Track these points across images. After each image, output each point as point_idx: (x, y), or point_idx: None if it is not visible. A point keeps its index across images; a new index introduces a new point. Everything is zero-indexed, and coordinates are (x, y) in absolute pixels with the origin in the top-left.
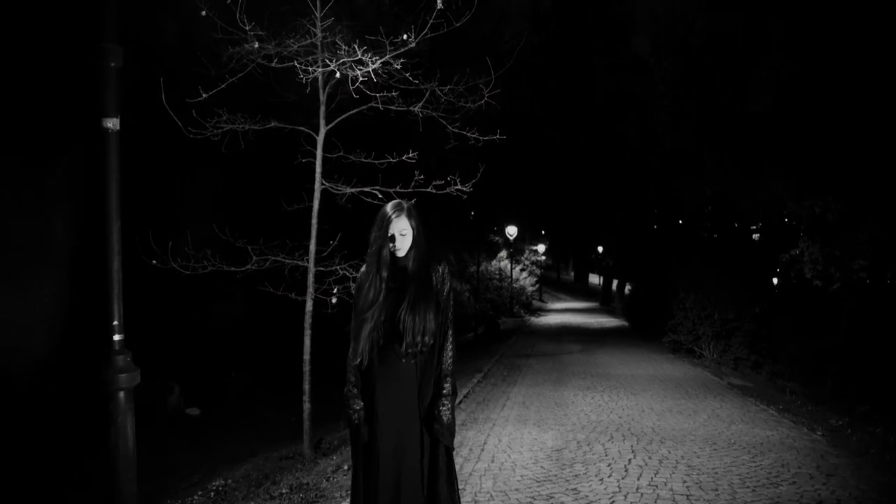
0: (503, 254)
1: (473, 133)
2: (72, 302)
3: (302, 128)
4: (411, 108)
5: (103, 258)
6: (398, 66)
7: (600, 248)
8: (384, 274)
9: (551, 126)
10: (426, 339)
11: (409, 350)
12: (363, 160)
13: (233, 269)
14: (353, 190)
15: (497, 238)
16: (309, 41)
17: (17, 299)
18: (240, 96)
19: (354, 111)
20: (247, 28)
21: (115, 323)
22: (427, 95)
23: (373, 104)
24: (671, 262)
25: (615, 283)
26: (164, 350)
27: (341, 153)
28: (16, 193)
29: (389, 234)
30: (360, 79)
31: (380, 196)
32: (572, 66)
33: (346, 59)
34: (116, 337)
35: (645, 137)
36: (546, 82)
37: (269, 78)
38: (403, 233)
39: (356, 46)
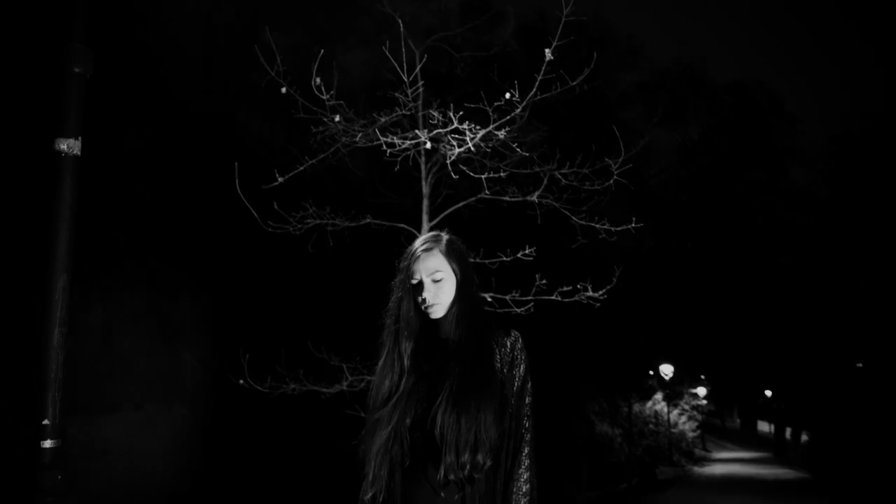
0: (658, 396)
1: (604, 224)
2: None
3: (403, 225)
4: (527, 198)
5: (42, 332)
6: (502, 136)
7: (769, 393)
8: (407, 347)
9: (705, 262)
10: (479, 457)
11: (451, 476)
12: (472, 260)
13: (324, 389)
14: None
15: (651, 378)
16: (399, 113)
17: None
18: (327, 189)
19: (462, 204)
20: (324, 97)
21: (46, 422)
22: (545, 181)
23: (483, 195)
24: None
25: (789, 430)
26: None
27: None
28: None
29: (415, 282)
30: (460, 154)
31: (490, 300)
32: (725, 199)
33: (440, 131)
34: (48, 443)
35: (815, 271)
36: (696, 217)
37: (360, 168)
38: (438, 277)
39: (452, 114)
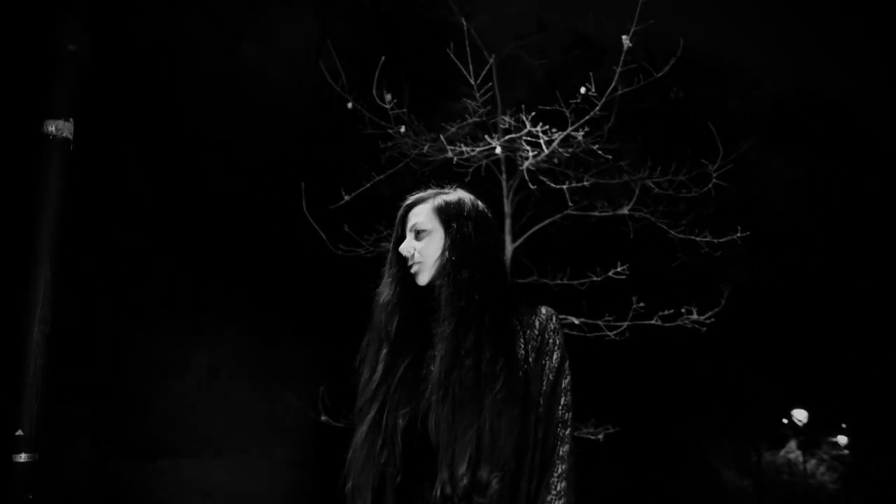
0: (792, 444)
1: (705, 237)
2: None
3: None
4: (618, 212)
5: (20, 331)
6: (580, 137)
7: None
8: (391, 321)
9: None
10: (482, 474)
11: (450, 495)
12: (560, 282)
13: None
14: None
15: (784, 423)
16: (469, 121)
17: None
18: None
19: (547, 221)
20: (387, 105)
21: (20, 433)
22: (637, 191)
23: (569, 211)
24: None
25: None
26: None
27: (535, 277)
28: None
29: (398, 238)
30: (538, 163)
31: (577, 324)
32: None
33: (513, 136)
34: (22, 458)
35: None
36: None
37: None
38: (420, 228)
39: (524, 117)
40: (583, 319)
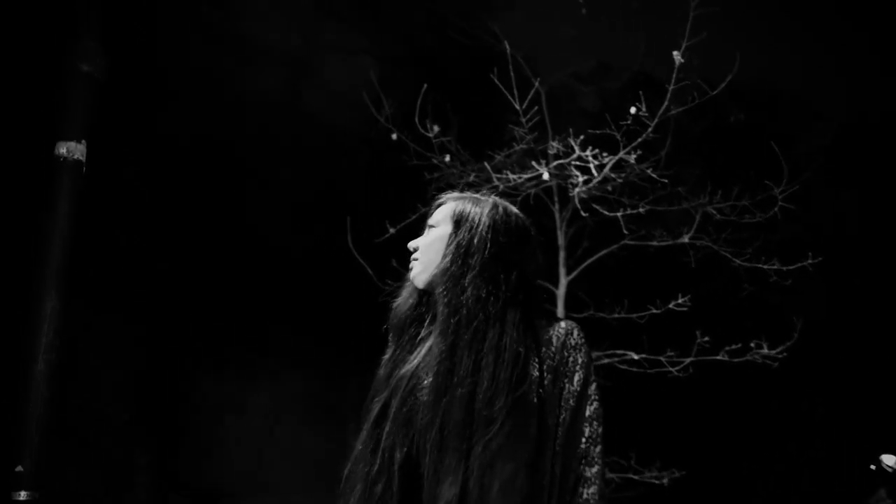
0: (882, 492)
1: (773, 264)
2: None
3: (548, 306)
4: (677, 241)
5: (24, 361)
6: (633, 160)
7: None
8: (395, 329)
9: None
10: None
11: None
12: (618, 315)
13: None
14: (601, 354)
15: (872, 469)
16: (516, 148)
17: None
18: None
19: (603, 252)
20: (430, 133)
21: (20, 469)
22: (697, 218)
23: (625, 241)
24: None
25: None
26: None
27: (591, 311)
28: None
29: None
30: (590, 190)
31: (637, 360)
32: None
33: (562, 161)
34: (22, 496)
35: None
36: None
37: None
38: (432, 228)
39: (573, 141)
40: (643, 355)
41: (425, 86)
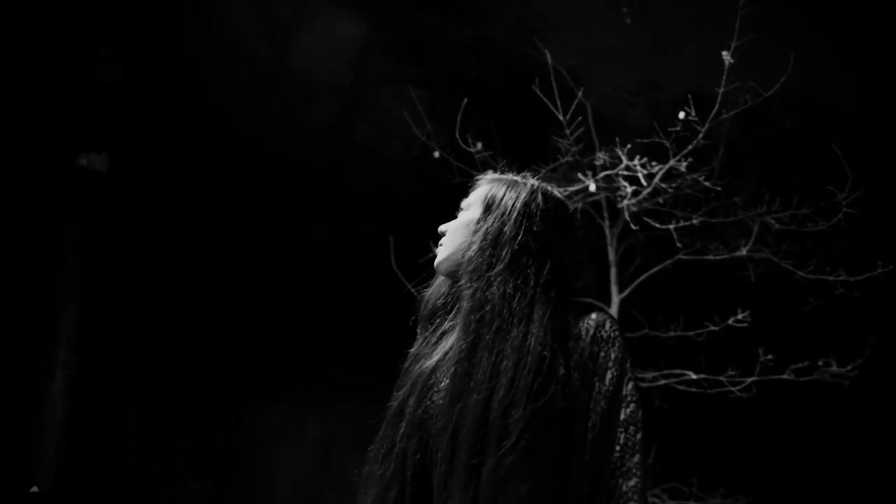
0: None
1: (839, 276)
2: None
3: (588, 300)
4: (735, 254)
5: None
6: (683, 168)
7: None
8: (421, 321)
9: None
10: None
11: None
12: (674, 333)
13: None
14: (657, 375)
15: None
16: (561, 161)
17: None
18: None
19: (657, 269)
20: (472, 148)
21: (35, 490)
22: (755, 229)
23: (680, 256)
24: None
25: None
26: None
27: (646, 330)
28: None
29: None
30: (640, 203)
31: (695, 379)
32: None
33: (608, 172)
34: None
35: None
36: None
37: None
38: (461, 211)
39: (620, 151)
40: (702, 375)
41: (465, 100)
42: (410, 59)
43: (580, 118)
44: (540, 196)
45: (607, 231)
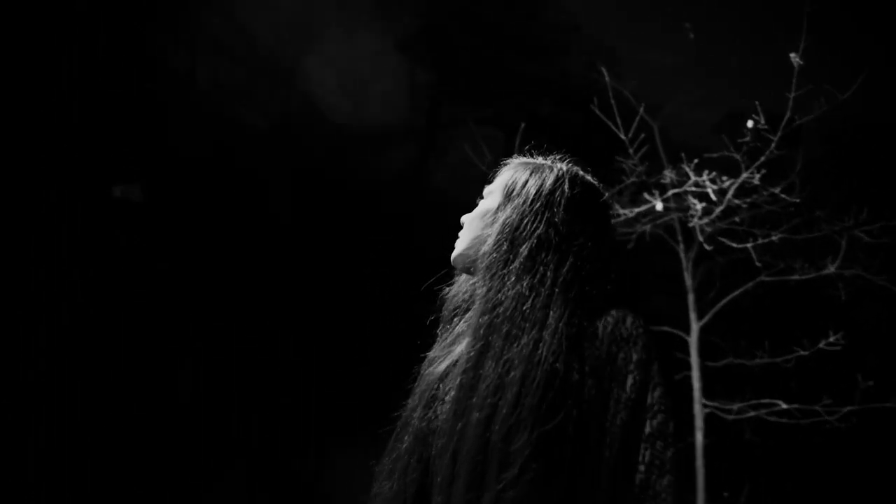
0: None
1: None
2: None
3: (665, 328)
4: (822, 273)
5: None
6: (756, 181)
7: None
8: (440, 320)
9: None
10: None
11: None
12: (760, 360)
13: None
14: (745, 405)
15: None
16: (627, 182)
17: None
18: None
19: (738, 292)
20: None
21: None
22: (844, 245)
23: (762, 278)
24: None
25: None
26: None
27: (730, 359)
28: None
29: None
30: (714, 222)
31: (786, 409)
32: None
33: (676, 190)
34: None
35: None
36: None
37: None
38: (482, 199)
39: (687, 167)
40: (794, 405)
41: (522, 124)
42: (480, 98)
43: (643, 135)
44: (567, 182)
45: (682, 256)
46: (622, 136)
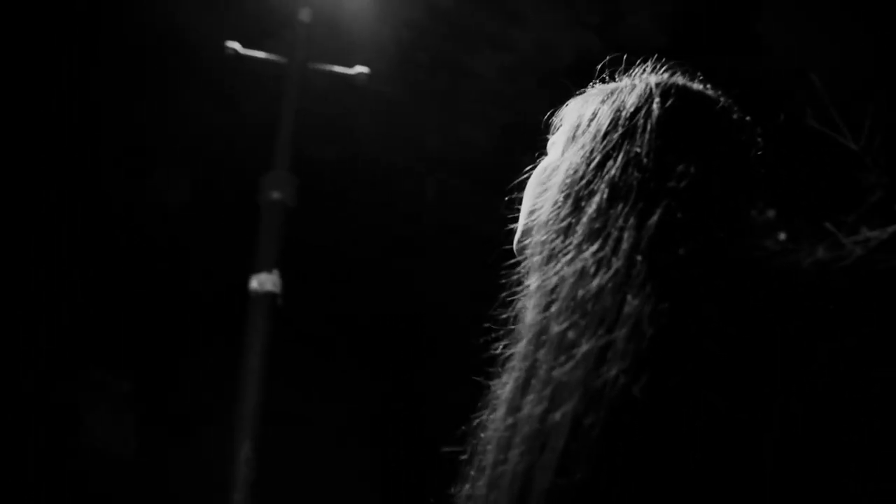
0: None
1: None
2: None
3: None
4: None
5: None
6: None
7: None
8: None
9: None
10: None
11: None
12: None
13: None
14: None
15: None
16: (868, 204)
17: None
18: None
19: None
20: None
21: None
22: None
23: None
24: None
25: None
26: None
27: None
28: None
29: None
30: None
31: None
32: None
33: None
34: None
35: None
36: None
37: None
38: (547, 152)
39: None
40: None
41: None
42: None
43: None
44: (658, 97)
45: None
46: (852, 146)
